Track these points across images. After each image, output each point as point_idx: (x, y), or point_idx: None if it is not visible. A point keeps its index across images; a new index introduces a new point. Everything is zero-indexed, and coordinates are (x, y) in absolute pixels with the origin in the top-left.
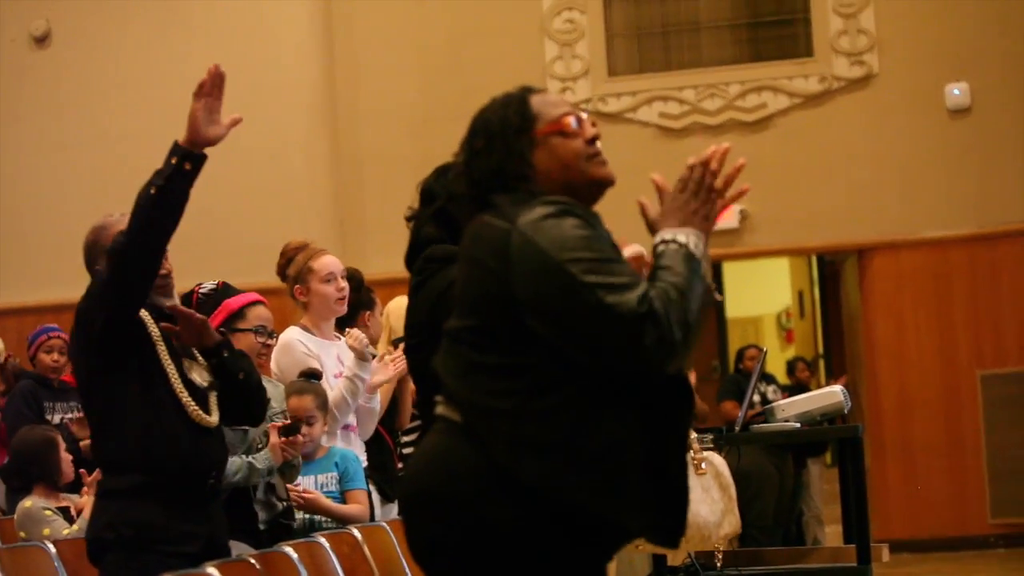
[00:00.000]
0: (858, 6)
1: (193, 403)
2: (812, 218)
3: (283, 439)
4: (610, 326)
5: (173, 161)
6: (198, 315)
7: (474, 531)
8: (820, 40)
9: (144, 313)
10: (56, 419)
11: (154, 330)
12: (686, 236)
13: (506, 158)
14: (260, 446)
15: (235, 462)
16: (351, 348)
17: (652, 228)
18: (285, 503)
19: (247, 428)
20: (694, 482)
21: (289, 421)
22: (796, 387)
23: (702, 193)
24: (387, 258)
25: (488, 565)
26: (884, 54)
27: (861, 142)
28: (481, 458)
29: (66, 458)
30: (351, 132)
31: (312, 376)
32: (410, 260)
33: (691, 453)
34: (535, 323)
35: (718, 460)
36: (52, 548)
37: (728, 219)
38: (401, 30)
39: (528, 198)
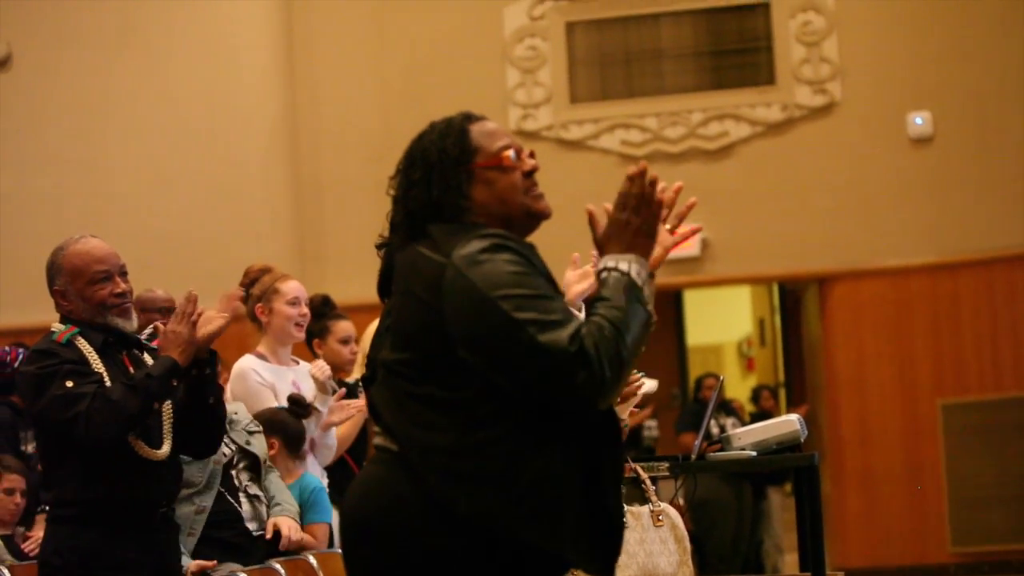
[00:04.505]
0: (821, 35)
1: (137, 438)
2: (773, 246)
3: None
4: (541, 364)
5: (174, 383)
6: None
7: (412, 562)
8: (783, 68)
9: (83, 343)
10: (30, 448)
11: (97, 365)
12: (628, 263)
13: (443, 190)
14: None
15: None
16: (313, 377)
17: (598, 246)
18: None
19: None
20: (653, 534)
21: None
22: (761, 415)
23: (643, 208)
24: (347, 284)
25: None
26: (847, 82)
27: (823, 170)
28: (418, 489)
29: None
30: (311, 158)
31: (297, 404)
32: (382, 289)
33: (649, 506)
34: (468, 357)
35: (673, 512)
36: (7, 573)
37: (689, 247)
38: (362, 56)
39: (464, 229)
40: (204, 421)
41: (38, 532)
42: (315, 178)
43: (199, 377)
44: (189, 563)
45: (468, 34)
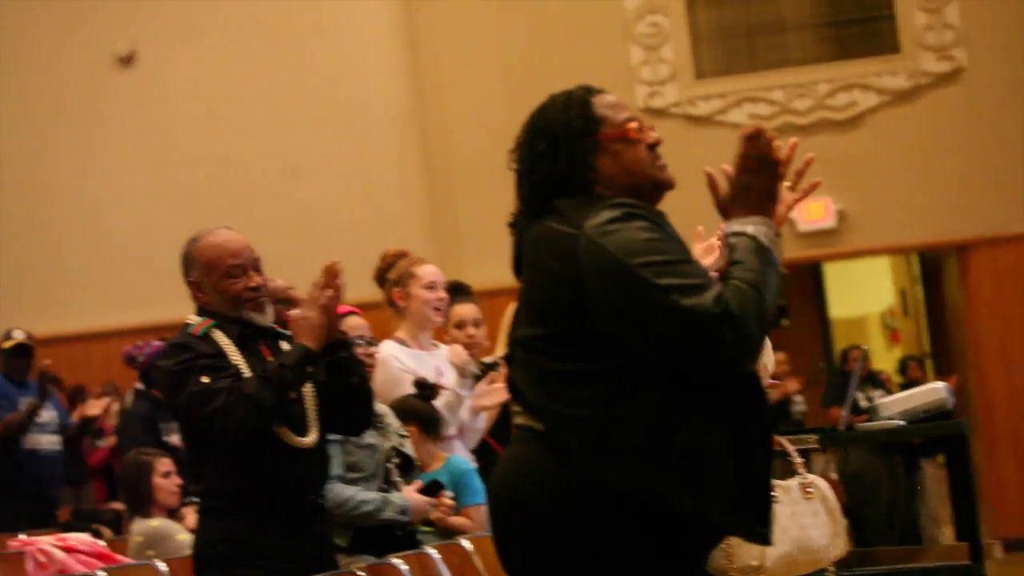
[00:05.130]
0: (942, 0)
1: (284, 426)
2: (909, 216)
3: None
4: (687, 328)
5: (309, 370)
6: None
7: (561, 539)
8: (906, 36)
9: (220, 336)
10: (174, 439)
11: (234, 357)
12: (755, 227)
13: (570, 163)
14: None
15: (370, 495)
16: (452, 364)
17: (721, 209)
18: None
19: (374, 444)
20: (804, 507)
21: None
22: (910, 386)
23: (763, 170)
24: (484, 267)
25: (578, 573)
26: (971, 48)
27: (954, 137)
28: (564, 466)
29: (164, 484)
30: (441, 143)
31: (422, 387)
32: (516, 268)
33: (798, 479)
34: (609, 327)
35: (823, 484)
36: (163, 566)
37: (825, 219)
38: (484, 39)
39: (592, 202)
40: (351, 401)
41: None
42: (446, 163)
43: (336, 362)
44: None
45: (589, 13)
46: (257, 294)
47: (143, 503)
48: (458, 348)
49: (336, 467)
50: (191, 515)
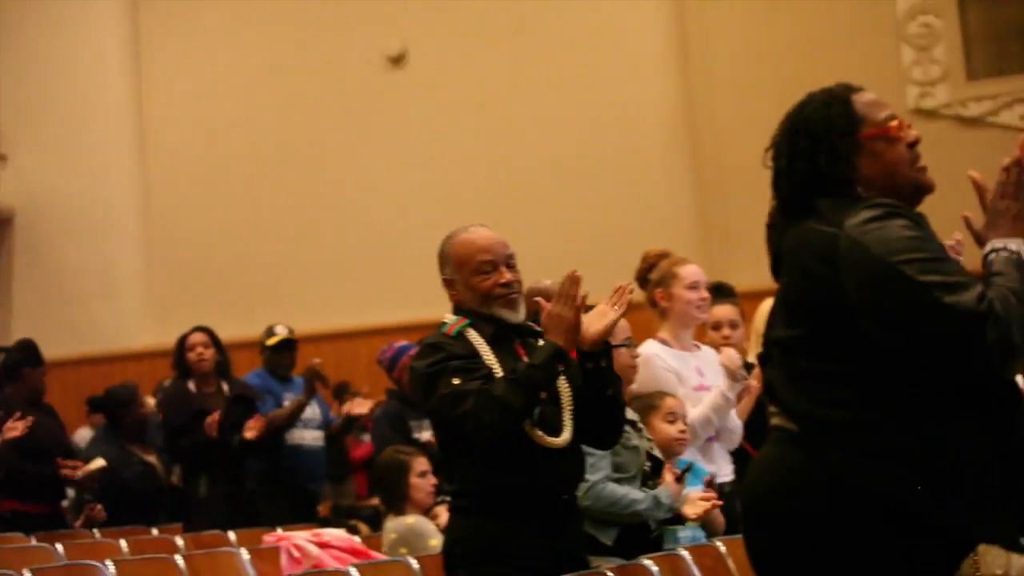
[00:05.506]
0: None
1: (535, 427)
2: None
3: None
4: (950, 326)
5: (560, 368)
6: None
7: (812, 541)
8: None
9: (474, 335)
10: (424, 436)
11: (488, 357)
12: (1017, 245)
13: (830, 162)
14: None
15: (640, 494)
16: (724, 367)
17: (978, 240)
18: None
19: (638, 446)
20: None
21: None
22: None
23: (1022, 194)
24: (754, 269)
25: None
26: None
27: None
28: (817, 468)
29: (420, 484)
30: (711, 143)
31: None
32: (775, 269)
33: None
34: (869, 327)
35: None
36: (415, 564)
37: None
38: (754, 40)
39: (852, 202)
40: (604, 412)
41: None
42: (716, 163)
43: (596, 370)
44: None
45: (860, 13)
46: (508, 290)
47: (398, 501)
48: (731, 352)
49: (605, 468)
50: (444, 514)
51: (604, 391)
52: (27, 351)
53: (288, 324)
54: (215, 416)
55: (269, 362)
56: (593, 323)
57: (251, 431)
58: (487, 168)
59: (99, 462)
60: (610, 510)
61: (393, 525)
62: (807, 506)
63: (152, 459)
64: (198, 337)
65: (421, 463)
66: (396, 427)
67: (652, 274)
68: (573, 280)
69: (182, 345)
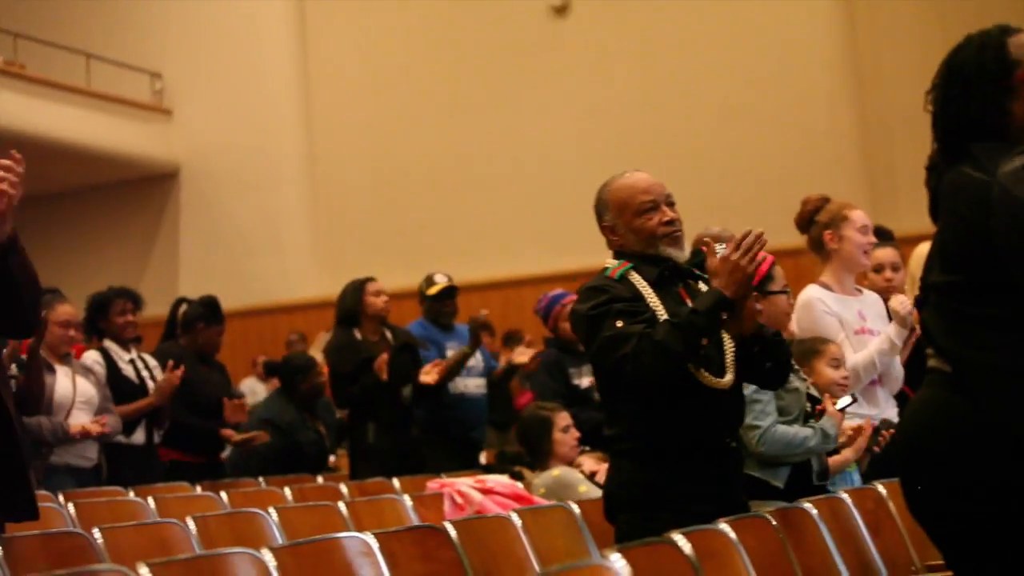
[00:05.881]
0: None
1: (699, 368)
2: None
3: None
4: None
5: (724, 317)
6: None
7: (963, 485)
8: None
9: (637, 278)
10: (584, 383)
11: (651, 299)
12: None
13: (982, 106)
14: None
15: (807, 430)
16: (894, 312)
17: None
18: None
19: (799, 388)
20: None
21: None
22: None
23: None
24: (916, 216)
25: (977, 518)
26: None
27: None
28: (971, 410)
29: (563, 439)
30: (875, 89)
31: None
32: (933, 212)
33: None
34: (1016, 274)
35: None
36: (576, 508)
37: None
38: None
39: (1007, 147)
40: (765, 375)
41: None
42: (881, 111)
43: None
44: None
45: None
46: (673, 228)
47: (543, 457)
48: (902, 297)
49: (773, 412)
50: (587, 461)
51: (764, 365)
52: (205, 307)
53: (448, 273)
54: (384, 357)
55: (430, 311)
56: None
57: (429, 375)
58: (649, 117)
59: (261, 435)
60: (785, 452)
61: (540, 480)
62: (959, 448)
63: (322, 430)
64: (376, 285)
65: (563, 418)
66: (554, 375)
67: (820, 216)
68: (758, 237)
69: (358, 292)
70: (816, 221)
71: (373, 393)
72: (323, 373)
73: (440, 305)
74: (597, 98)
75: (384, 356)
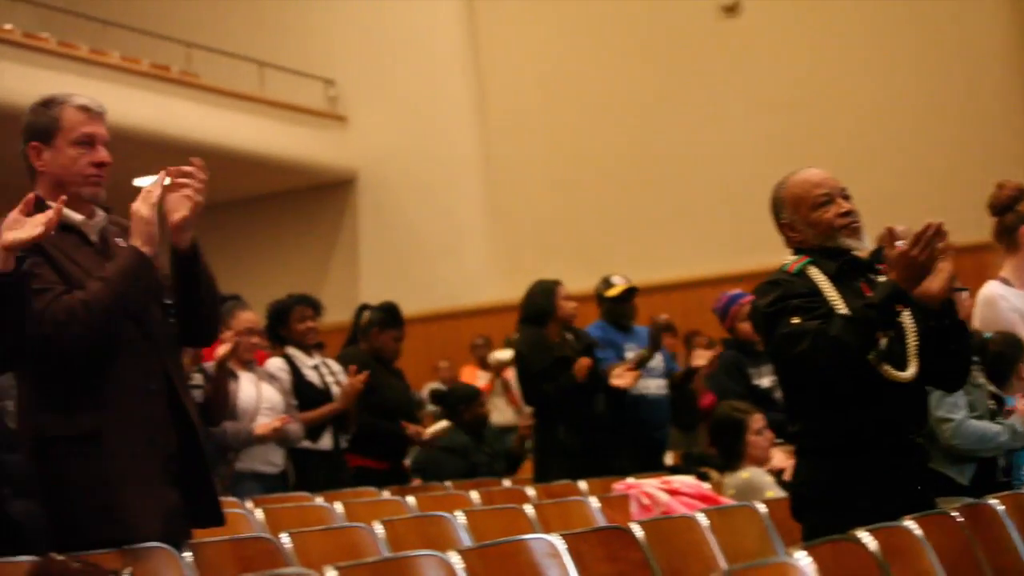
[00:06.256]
0: None
1: (883, 361)
2: None
3: None
4: None
5: (899, 309)
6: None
7: None
8: None
9: (815, 272)
10: (764, 383)
11: (830, 293)
12: None
13: None
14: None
15: (996, 427)
16: None
17: None
18: None
19: (982, 384)
20: None
21: None
22: None
23: None
24: None
25: None
26: None
27: None
28: None
29: (757, 441)
30: None
31: None
32: None
33: None
34: None
35: None
36: (763, 508)
37: None
38: None
39: None
40: (949, 361)
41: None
42: None
43: (939, 328)
44: None
45: None
46: (849, 219)
47: (735, 459)
48: None
49: (964, 406)
50: (777, 455)
51: (948, 346)
52: (383, 312)
53: (626, 275)
54: (587, 361)
55: (610, 312)
56: (932, 281)
57: (622, 379)
58: (822, 114)
59: (444, 423)
60: (976, 447)
61: (731, 481)
62: None
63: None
64: (565, 289)
65: (757, 420)
66: (733, 375)
67: (1022, 205)
68: (938, 231)
69: (550, 294)
70: (1018, 211)
71: (569, 394)
72: (485, 404)
73: (619, 307)
74: (769, 96)
75: (587, 360)
